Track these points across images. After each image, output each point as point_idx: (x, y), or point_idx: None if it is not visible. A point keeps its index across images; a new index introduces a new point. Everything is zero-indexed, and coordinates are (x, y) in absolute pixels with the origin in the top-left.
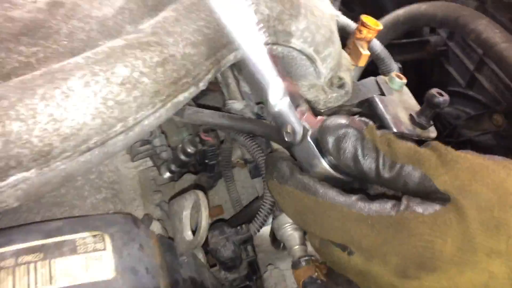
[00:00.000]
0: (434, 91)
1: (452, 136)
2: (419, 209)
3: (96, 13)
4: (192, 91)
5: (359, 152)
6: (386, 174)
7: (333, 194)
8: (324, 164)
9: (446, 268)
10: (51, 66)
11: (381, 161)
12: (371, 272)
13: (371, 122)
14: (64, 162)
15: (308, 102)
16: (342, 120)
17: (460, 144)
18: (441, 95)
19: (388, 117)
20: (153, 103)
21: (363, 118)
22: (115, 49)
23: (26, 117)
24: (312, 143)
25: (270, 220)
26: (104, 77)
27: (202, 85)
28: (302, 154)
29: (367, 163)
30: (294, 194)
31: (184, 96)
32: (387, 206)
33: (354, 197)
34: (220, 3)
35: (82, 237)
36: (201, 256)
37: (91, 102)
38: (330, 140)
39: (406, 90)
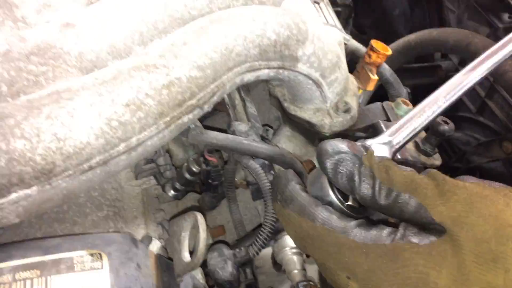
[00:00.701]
0: (439, 118)
1: (461, 162)
2: (415, 239)
3: (106, 34)
4: (196, 113)
5: (356, 178)
6: (382, 201)
7: (331, 219)
8: (332, 197)
9: None
10: (59, 85)
11: (377, 188)
12: None
13: (371, 148)
14: (66, 180)
15: (313, 126)
16: (341, 144)
17: (468, 170)
18: (446, 123)
19: None
20: (157, 125)
21: (364, 143)
22: (122, 71)
23: (31, 135)
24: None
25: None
26: (109, 98)
27: (207, 107)
28: (315, 184)
29: (363, 190)
30: (294, 219)
31: (188, 118)
32: (382, 234)
33: (352, 223)
34: None
35: (80, 255)
36: (200, 277)
37: (95, 122)
38: (328, 164)
39: None
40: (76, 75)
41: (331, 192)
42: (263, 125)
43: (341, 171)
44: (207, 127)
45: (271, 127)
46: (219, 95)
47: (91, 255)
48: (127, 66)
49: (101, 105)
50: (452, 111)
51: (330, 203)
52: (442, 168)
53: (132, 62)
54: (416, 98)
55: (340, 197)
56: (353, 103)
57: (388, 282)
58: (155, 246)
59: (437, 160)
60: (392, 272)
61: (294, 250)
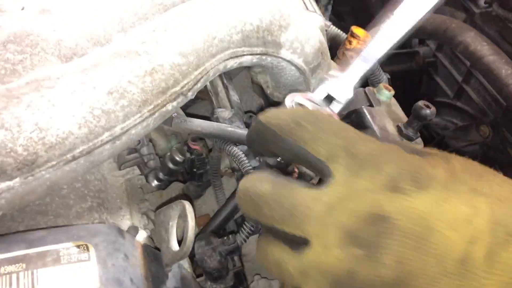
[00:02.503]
0: (421, 103)
1: (440, 146)
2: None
3: (85, 21)
4: (180, 101)
5: None
6: None
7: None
8: None
9: (436, 190)
10: (38, 73)
11: None
12: (355, 188)
13: None
14: (49, 171)
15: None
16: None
17: None
18: (428, 107)
19: (375, 128)
20: (140, 113)
21: None
22: (103, 58)
23: (11, 125)
24: None
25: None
26: (91, 86)
27: (191, 95)
28: None
29: None
30: None
31: (172, 106)
32: None
33: None
34: None
35: (66, 247)
36: (187, 265)
37: (78, 110)
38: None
39: (394, 101)
40: (55, 63)
41: None
42: (246, 112)
43: None
44: (190, 115)
45: (255, 114)
46: (202, 82)
47: (78, 246)
48: (108, 53)
49: (83, 93)
50: (430, 97)
51: None
52: None
53: (113, 49)
54: (394, 83)
55: None
56: None
57: (392, 160)
58: (142, 236)
59: (419, 144)
60: (396, 154)
61: None
